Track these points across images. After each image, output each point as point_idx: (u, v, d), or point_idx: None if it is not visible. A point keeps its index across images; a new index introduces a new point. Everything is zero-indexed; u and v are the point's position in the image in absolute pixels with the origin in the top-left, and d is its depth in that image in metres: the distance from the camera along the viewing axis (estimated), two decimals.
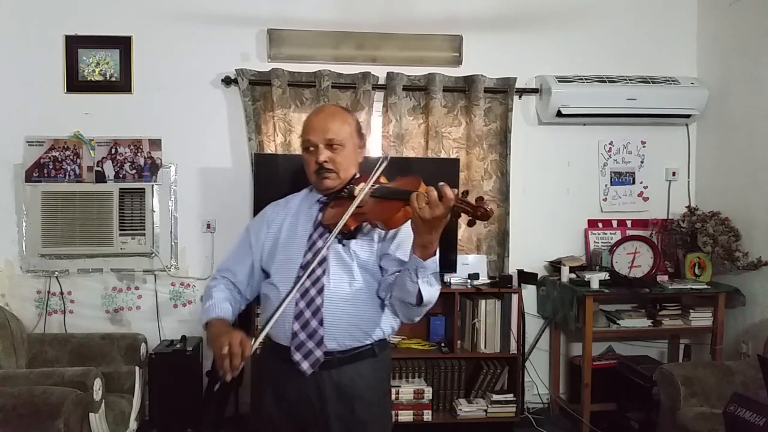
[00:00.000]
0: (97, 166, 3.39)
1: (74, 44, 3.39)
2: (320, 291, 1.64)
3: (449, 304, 3.36)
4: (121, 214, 3.38)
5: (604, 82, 3.53)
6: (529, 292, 3.66)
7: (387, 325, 1.73)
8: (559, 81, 3.50)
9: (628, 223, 3.77)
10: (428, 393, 3.29)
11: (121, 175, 3.41)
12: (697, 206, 3.63)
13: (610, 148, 3.75)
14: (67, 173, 3.38)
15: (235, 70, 3.39)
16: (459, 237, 3.46)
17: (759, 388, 2.57)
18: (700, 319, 3.35)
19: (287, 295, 1.57)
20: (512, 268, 3.56)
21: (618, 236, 3.67)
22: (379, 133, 3.53)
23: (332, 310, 1.64)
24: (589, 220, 3.75)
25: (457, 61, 3.58)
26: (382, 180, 1.70)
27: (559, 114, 3.52)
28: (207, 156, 3.50)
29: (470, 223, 1.42)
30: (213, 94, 3.48)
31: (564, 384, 3.75)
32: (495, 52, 3.61)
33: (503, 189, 3.59)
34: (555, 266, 3.58)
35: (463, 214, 1.41)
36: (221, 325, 1.65)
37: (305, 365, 1.63)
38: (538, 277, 3.59)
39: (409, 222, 1.50)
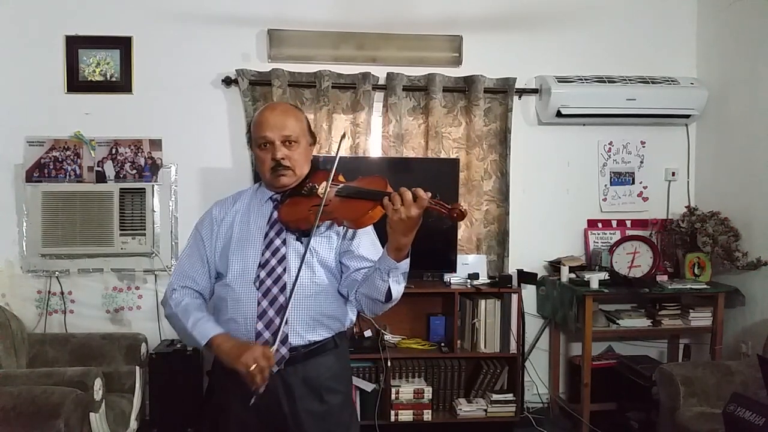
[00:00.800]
0: (98, 166, 3.40)
1: (75, 44, 3.39)
2: (282, 289, 1.65)
3: (449, 304, 3.36)
4: (121, 214, 3.38)
5: (604, 82, 3.54)
6: (529, 292, 3.67)
7: (346, 317, 1.78)
8: (559, 81, 3.50)
9: (628, 223, 3.77)
10: (428, 393, 3.30)
11: (121, 175, 3.41)
12: (696, 206, 3.63)
13: (610, 149, 3.76)
14: (68, 173, 3.38)
15: (236, 70, 3.39)
16: (459, 237, 3.47)
17: (759, 388, 2.57)
18: (700, 318, 3.35)
19: (290, 295, 1.59)
20: (512, 268, 3.56)
21: (617, 236, 3.67)
22: (379, 134, 3.54)
23: (295, 307, 1.66)
24: (588, 220, 3.75)
25: (457, 62, 3.59)
26: (341, 179, 1.70)
27: (558, 114, 3.52)
28: (207, 156, 3.50)
29: (445, 224, 1.48)
30: (213, 94, 3.48)
31: (564, 384, 3.75)
32: (495, 52, 3.61)
33: (503, 189, 3.59)
34: (555, 266, 3.58)
35: (439, 216, 1.46)
36: (229, 340, 1.64)
37: None
38: (538, 277, 3.59)
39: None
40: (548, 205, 3.72)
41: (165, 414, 3.15)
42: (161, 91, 3.44)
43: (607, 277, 3.34)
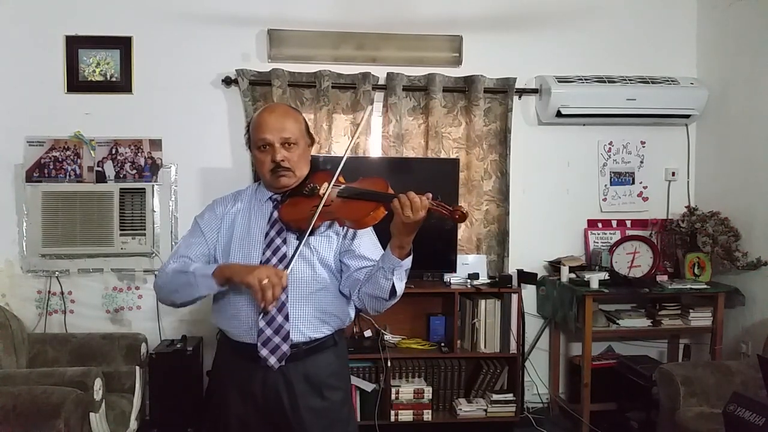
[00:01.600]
0: (98, 166, 3.40)
1: (74, 44, 3.39)
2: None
3: (449, 304, 3.36)
4: (121, 214, 3.38)
5: (604, 82, 3.54)
6: (529, 292, 3.67)
7: (345, 315, 1.80)
8: (559, 81, 3.50)
9: (628, 223, 3.77)
10: (428, 393, 3.30)
11: (121, 175, 3.41)
12: (696, 206, 3.63)
13: (610, 149, 3.76)
14: (68, 173, 3.38)
15: (236, 70, 3.39)
16: (459, 237, 3.47)
17: (759, 388, 2.57)
18: (700, 318, 3.35)
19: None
20: (512, 268, 3.56)
21: (617, 236, 3.67)
22: (379, 134, 3.54)
23: (297, 305, 1.68)
24: (588, 220, 3.75)
25: (457, 62, 3.59)
26: (341, 180, 1.72)
27: (558, 114, 3.52)
28: (207, 156, 3.50)
29: (447, 225, 1.53)
30: (213, 94, 3.48)
31: (564, 384, 3.75)
32: (495, 52, 3.61)
33: (503, 189, 3.59)
34: (555, 266, 3.58)
35: (442, 218, 1.50)
36: (235, 264, 1.65)
37: (272, 360, 1.66)
38: (538, 277, 3.59)
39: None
40: (548, 205, 3.72)
41: (165, 414, 3.15)
42: (161, 91, 3.44)
43: (607, 277, 3.34)
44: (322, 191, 1.69)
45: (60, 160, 3.38)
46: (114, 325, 3.46)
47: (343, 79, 3.46)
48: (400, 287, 1.64)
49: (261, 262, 1.69)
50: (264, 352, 1.66)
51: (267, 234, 1.73)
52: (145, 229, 3.41)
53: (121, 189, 3.39)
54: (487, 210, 3.60)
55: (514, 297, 3.36)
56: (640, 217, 3.78)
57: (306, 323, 1.69)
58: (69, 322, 3.42)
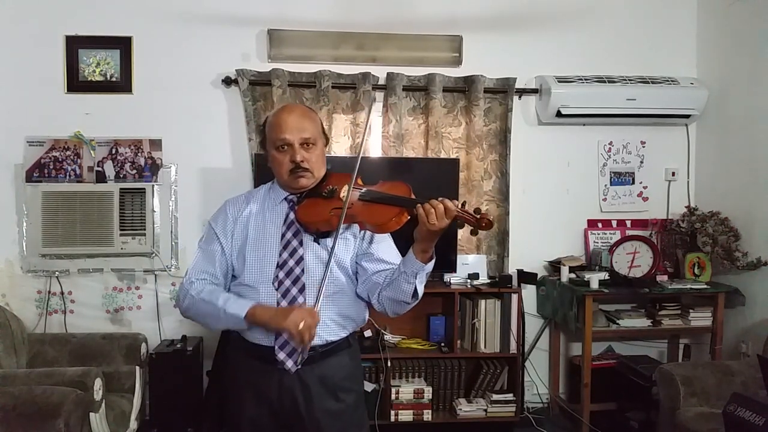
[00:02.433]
0: (98, 166, 3.40)
1: (74, 44, 3.39)
2: (302, 290, 1.66)
3: (449, 304, 3.36)
4: (121, 214, 3.38)
5: (604, 82, 3.54)
6: (529, 292, 3.67)
7: (361, 317, 1.80)
8: (559, 81, 3.51)
9: (628, 223, 3.77)
10: (428, 393, 3.30)
11: (121, 175, 3.41)
12: (696, 206, 3.63)
13: (610, 149, 3.76)
14: (68, 173, 3.38)
15: (236, 70, 3.39)
16: (459, 237, 3.47)
17: (759, 388, 2.57)
18: (700, 319, 3.35)
19: (319, 295, 1.61)
20: (512, 268, 3.56)
21: (617, 236, 3.67)
22: (379, 134, 3.54)
23: (318, 307, 1.66)
24: (588, 220, 3.75)
25: (457, 62, 3.59)
26: (359, 182, 1.71)
27: (558, 114, 3.52)
28: (207, 156, 3.50)
29: (473, 233, 1.55)
30: (213, 94, 3.48)
31: (564, 384, 3.75)
32: (495, 52, 3.61)
33: (503, 189, 3.59)
34: (555, 266, 3.58)
35: (467, 225, 1.53)
36: (268, 307, 1.65)
37: (290, 364, 1.66)
38: (538, 277, 3.59)
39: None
40: (548, 205, 3.72)
41: (165, 414, 3.15)
42: (161, 91, 3.44)
43: (607, 277, 3.34)
44: (342, 194, 1.67)
45: (60, 160, 3.38)
46: (114, 325, 3.46)
47: (343, 79, 3.46)
48: (421, 290, 1.65)
49: (277, 264, 1.68)
50: (281, 355, 1.65)
51: (283, 236, 1.71)
52: (145, 229, 3.41)
53: (121, 189, 3.39)
54: (487, 210, 3.55)
55: (514, 297, 3.36)
56: (640, 217, 3.78)
57: (323, 326, 1.68)
58: (69, 322, 3.42)
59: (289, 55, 3.48)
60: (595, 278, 3.27)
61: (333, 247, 1.64)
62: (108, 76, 3.43)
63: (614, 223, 3.77)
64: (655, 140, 3.77)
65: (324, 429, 1.69)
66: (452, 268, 3.36)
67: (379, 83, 3.49)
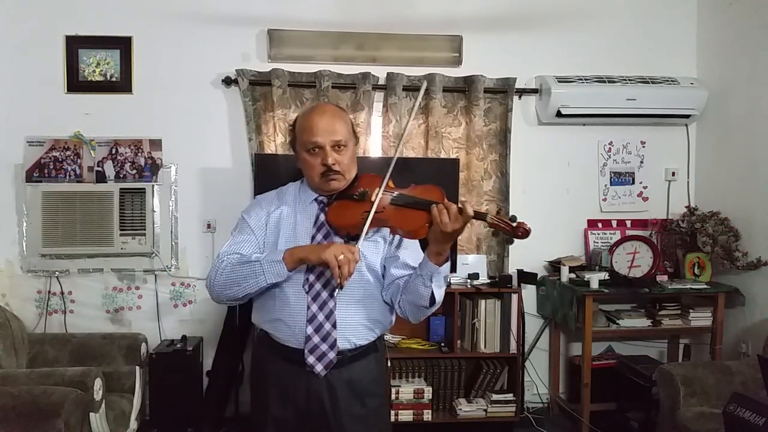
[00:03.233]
0: (98, 166, 3.40)
1: (74, 44, 3.39)
2: (332, 293, 1.65)
3: (449, 304, 3.36)
4: (121, 214, 3.38)
5: (604, 82, 3.54)
6: (529, 292, 3.67)
7: (388, 320, 1.80)
8: (559, 81, 3.50)
9: (628, 223, 3.77)
10: (428, 393, 3.30)
11: (121, 175, 3.41)
12: (696, 206, 3.63)
13: (610, 148, 3.76)
14: (68, 173, 3.38)
15: (236, 70, 3.39)
16: (459, 237, 3.46)
17: (759, 388, 2.57)
18: (700, 318, 3.35)
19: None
20: (512, 268, 3.56)
21: (617, 236, 3.67)
22: (379, 134, 3.54)
23: (344, 312, 1.66)
24: (588, 220, 3.75)
25: (457, 62, 3.59)
26: (391, 185, 1.69)
27: (558, 114, 3.52)
28: (207, 156, 3.50)
29: (509, 241, 1.53)
30: (213, 94, 3.48)
31: (564, 384, 3.75)
32: (495, 52, 3.61)
33: (503, 189, 3.59)
34: (555, 266, 3.58)
35: (503, 233, 1.50)
36: (304, 245, 1.63)
37: (319, 367, 1.65)
38: (538, 277, 3.59)
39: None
40: (548, 205, 3.71)
41: (165, 414, 3.15)
42: (161, 91, 3.44)
43: (607, 277, 3.34)
44: (373, 197, 1.65)
45: (60, 160, 3.38)
46: (114, 325, 3.46)
47: (343, 79, 3.46)
48: (440, 294, 1.63)
49: (308, 266, 1.66)
50: (311, 359, 1.64)
51: (313, 237, 1.70)
52: (145, 229, 3.41)
53: (121, 189, 3.39)
54: (487, 210, 3.58)
55: (514, 297, 3.36)
56: (640, 217, 3.78)
57: (353, 331, 1.68)
58: (69, 322, 3.42)
59: (289, 55, 3.48)
60: (595, 278, 3.27)
61: (357, 245, 1.61)
62: (108, 76, 3.43)
63: (614, 223, 3.77)
64: (655, 140, 3.77)
65: None
66: (452, 268, 3.35)
67: (379, 83, 3.49)
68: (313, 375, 1.66)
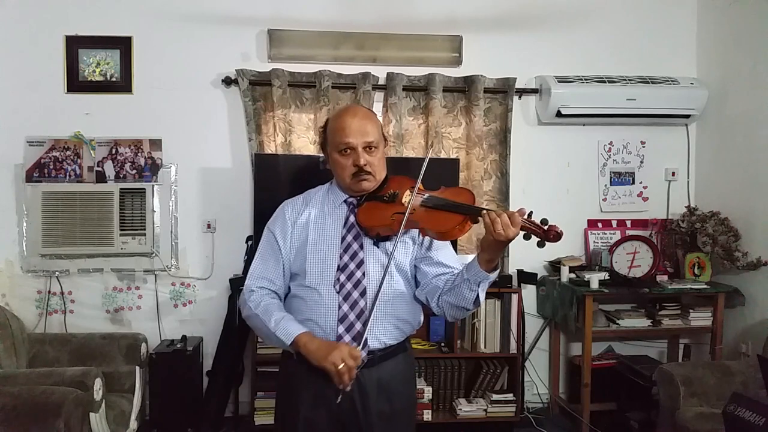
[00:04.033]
0: (98, 166, 3.40)
1: (74, 44, 3.39)
2: (363, 293, 1.67)
3: None
4: (121, 214, 3.38)
5: (604, 82, 3.54)
6: (529, 292, 3.67)
7: (417, 321, 1.81)
8: (559, 81, 3.51)
9: (628, 223, 3.77)
10: (428, 393, 3.30)
11: (121, 176, 3.41)
12: (696, 206, 3.63)
13: (610, 148, 3.76)
14: (68, 173, 3.38)
15: (236, 70, 3.39)
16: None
17: (759, 388, 2.57)
18: (700, 319, 3.35)
19: (375, 300, 1.63)
20: (512, 268, 3.56)
21: (617, 236, 3.67)
22: None
23: (375, 313, 1.66)
24: (588, 220, 3.75)
25: (457, 62, 3.59)
26: (420, 187, 1.70)
27: (558, 114, 3.52)
28: (207, 156, 3.50)
29: (540, 245, 1.56)
30: (213, 94, 3.48)
31: (564, 384, 3.75)
32: (495, 52, 3.61)
33: (503, 189, 3.59)
34: (555, 266, 3.58)
35: (533, 236, 1.54)
36: (314, 339, 1.64)
37: None
38: (538, 277, 3.59)
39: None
40: (548, 205, 3.67)
41: (165, 414, 3.15)
42: (161, 91, 3.44)
43: (607, 277, 3.34)
44: (404, 199, 1.67)
45: (60, 160, 3.38)
46: (114, 325, 3.46)
47: (343, 79, 3.46)
48: (483, 297, 1.66)
49: (338, 267, 1.68)
50: None
51: (343, 238, 1.72)
52: (145, 229, 3.41)
53: (121, 189, 3.39)
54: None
55: (514, 297, 3.37)
56: (640, 217, 3.78)
57: (383, 330, 1.69)
58: (69, 322, 3.42)
59: (289, 55, 3.48)
60: (595, 278, 3.27)
61: (392, 252, 1.65)
62: (108, 76, 3.43)
63: (614, 223, 3.77)
64: (655, 140, 3.77)
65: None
66: None
67: (379, 83, 3.49)
68: None
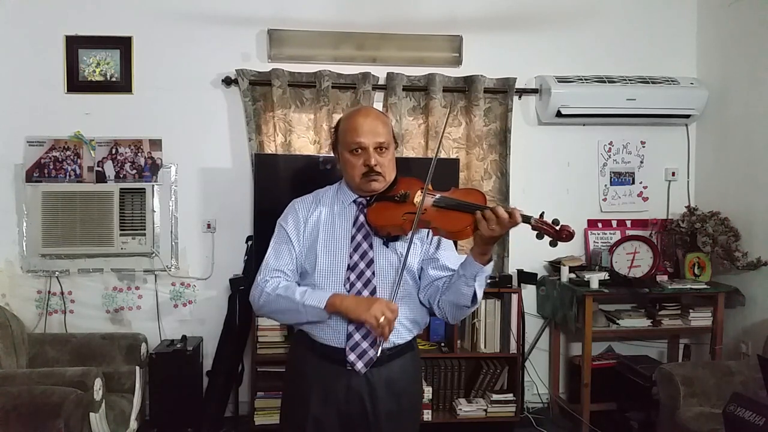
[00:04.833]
0: (98, 166, 3.39)
1: (74, 44, 3.39)
2: (372, 293, 1.68)
3: None
4: (121, 214, 3.38)
5: (604, 82, 3.54)
6: (529, 292, 3.67)
7: (424, 320, 1.83)
8: (559, 81, 3.50)
9: (628, 223, 3.77)
10: (428, 393, 3.30)
11: (121, 176, 3.41)
12: (696, 206, 3.63)
13: (610, 149, 3.76)
14: (68, 173, 3.38)
15: (236, 70, 3.39)
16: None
17: (759, 388, 2.57)
18: (700, 318, 3.36)
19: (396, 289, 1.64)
20: (512, 268, 3.56)
21: (617, 236, 3.67)
22: None
23: None
24: (588, 220, 3.75)
25: (457, 62, 3.59)
26: (430, 188, 1.70)
27: (558, 114, 3.52)
28: (207, 156, 3.50)
29: (552, 244, 1.58)
30: (213, 94, 3.48)
31: (564, 384, 3.75)
32: (495, 52, 3.61)
33: (503, 189, 3.59)
34: (555, 266, 3.58)
35: (546, 236, 1.55)
36: (348, 296, 1.66)
37: (360, 365, 1.67)
38: (538, 277, 3.59)
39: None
40: (548, 205, 3.65)
41: (165, 414, 3.15)
42: (161, 91, 3.44)
43: (607, 277, 3.34)
44: (415, 199, 1.68)
45: (60, 160, 3.38)
46: (114, 325, 3.46)
47: (343, 79, 3.46)
48: (481, 293, 1.66)
49: (348, 266, 1.69)
50: (352, 357, 1.66)
51: (353, 238, 1.73)
52: (145, 229, 3.41)
53: (121, 189, 3.39)
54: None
55: (514, 297, 3.37)
56: (640, 217, 3.78)
57: (394, 330, 1.68)
58: (69, 322, 3.42)
59: (289, 55, 3.48)
60: (595, 278, 3.27)
61: (407, 253, 1.65)
62: (108, 76, 3.43)
63: (614, 223, 3.77)
64: (655, 140, 3.77)
65: (383, 430, 1.71)
66: None
67: (379, 83, 3.49)
68: (353, 373, 1.68)
